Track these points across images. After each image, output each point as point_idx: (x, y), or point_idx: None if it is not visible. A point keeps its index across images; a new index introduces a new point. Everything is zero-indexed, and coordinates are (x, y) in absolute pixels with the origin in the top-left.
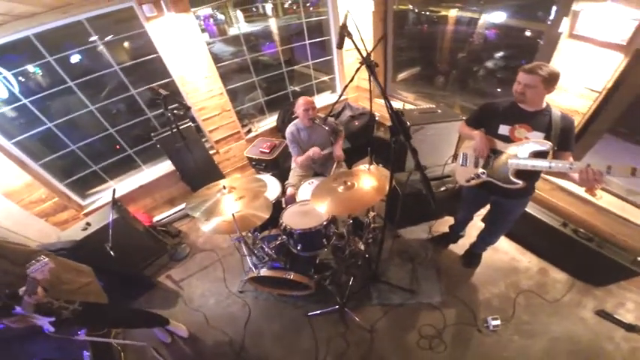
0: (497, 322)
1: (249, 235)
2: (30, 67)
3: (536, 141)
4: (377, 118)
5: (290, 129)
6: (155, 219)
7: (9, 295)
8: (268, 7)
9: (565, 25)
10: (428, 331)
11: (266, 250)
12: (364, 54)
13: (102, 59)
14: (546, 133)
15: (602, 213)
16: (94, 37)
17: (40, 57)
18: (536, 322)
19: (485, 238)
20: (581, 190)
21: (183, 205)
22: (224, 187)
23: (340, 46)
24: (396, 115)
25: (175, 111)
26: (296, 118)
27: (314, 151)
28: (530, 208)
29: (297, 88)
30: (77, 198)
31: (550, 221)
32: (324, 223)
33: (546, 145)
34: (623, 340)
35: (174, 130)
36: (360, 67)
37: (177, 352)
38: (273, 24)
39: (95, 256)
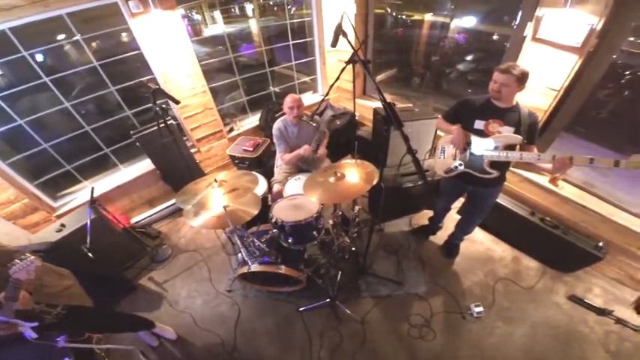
0: (480, 308)
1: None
2: None
3: (509, 135)
4: (357, 118)
5: (277, 125)
6: (133, 220)
7: None
8: (248, 8)
9: (529, 29)
10: (417, 320)
11: (257, 243)
12: (357, 51)
13: (79, 55)
14: (516, 127)
15: (565, 202)
16: (74, 33)
17: (13, 52)
18: (515, 308)
19: (463, 228)
20: (545, 181)
21: (163, 206)
22: (215, 181)
23: (334, 44)
24: (388, 105)
25: (164, 105)
26: (279, 115)
27: (305, 149)
28: (501, 199)
29: (276, 89)
30: (48, 200)
31: (519, 211)
32: (315, 215)
33: (518, 139)
34: (596, 323)
35: (162, 125)
36: (345, 66)
37: (165, 356)
38: (253, 25)
39: (72, 259)
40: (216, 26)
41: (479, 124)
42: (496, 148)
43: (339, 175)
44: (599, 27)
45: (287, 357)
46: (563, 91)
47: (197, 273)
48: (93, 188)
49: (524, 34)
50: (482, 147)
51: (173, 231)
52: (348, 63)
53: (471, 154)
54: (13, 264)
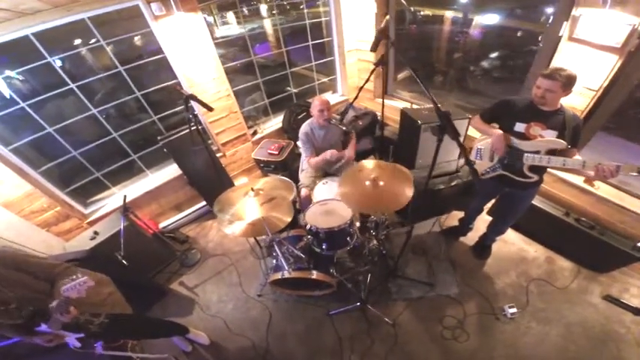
0: (514, 309)
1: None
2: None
3: (552, 140)
4: (379, 118)
5: (304, 129)
6: (161, 225)
7: (33, 312)
8: (263, 9)
9: (565, 29)
10: (449, 322)
11: (294, 251)
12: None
13: (101, 60)
14: (559, 131)
15: (601, 202)
16: (97, 37)
17: (37, 58)
18: (550, 309)
19: (496, 229)
20: (580, 181)
21: (190, 210)
22: (252, 190)
23: (374, 49)
24: (444, 115)
25: (196, 112)
26: (301, 117)
27: (332, 153)
28: (534, 200)
29: (295, 90)
30: (79, 206)
31: (553, 211)
32: (349, 221)
33: (562, 145)
34: (633, 323)
35: (194, 130)
36: (375, 68)
37: None
38: (267, 25)
39: (106, 266)
40: (229, 27)
41: (519, 127)
42: (538, 152)
43: (374, 179)
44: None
45: None
46: (602, 91)
47: (227, 277)
48: (125, 196)
49: (560, 34)
50: (524, 151)
51: (200, 235)
52: (377, 65)
53: (511, 157)
54: (65, 282)
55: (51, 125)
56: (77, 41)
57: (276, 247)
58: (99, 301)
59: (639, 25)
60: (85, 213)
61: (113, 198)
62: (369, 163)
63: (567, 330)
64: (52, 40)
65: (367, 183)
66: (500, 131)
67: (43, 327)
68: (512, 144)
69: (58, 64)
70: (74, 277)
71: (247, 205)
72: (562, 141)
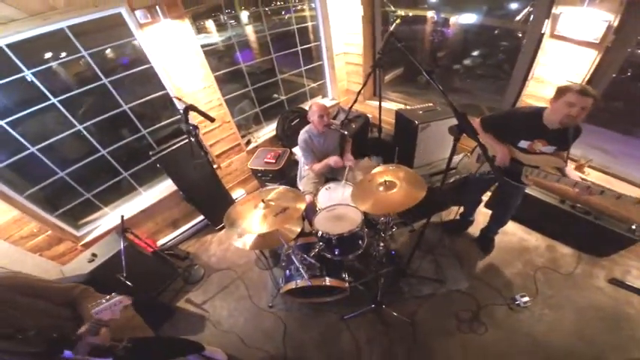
0: (527, 298)
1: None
2: None
3: (555, 160)
4: (370, 120)
5: (302, 136)
6: (159, 243)
7: (57, 339)
8: (244, 15)
9: (547, 26)
10: (465, 315)
11: (306, 259)
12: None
13: (82, 73)
14: (558, 145)
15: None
16: (78, 48)
17: (13, 72)
18: (559, 295)
19: (498, 220)
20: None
21: (187, 226)
22: (263, 201)
23: (383, 51)
24: (462, 116)
25: (195, 123)
26: (295, 124)
27: (335, 161)
28: (530, 190)
29: (284, 97)
30: (71, 229)
31: (549, 200)
32: (360, 225)
33: (562, 165)
34: None
35: (194, 142)
36: (372, 71)
37: None
38: (250, 32)
39: (108, 288)
40: (208, 36)
41: (523, 144)
42: (537, 167)
43: (387, 184)
44: (615, 23)
45: None
46: (585, 84)
47: (235, 291)
48: (123, 216)
49: (542, 31)
50: (525, 164)
51: (201, 250)
52: (375, 67)
53: (512, 167)
54: (98, 303)
55: (33, 144)
56: (57, 53)
57: (293, 257)
58: (120, 325)
59: (614, 22)
60: (78, 235)
61: (106, 218)
62: (377, 170)
63: (580, 314)
64: (30, 52)
65: (380, 188)
66: (506, 148)
67: (67, 354)
68: (514, 156)
69: (35, 77)
70: (107, 296)
71: (258, 218)
72: (562, 161)
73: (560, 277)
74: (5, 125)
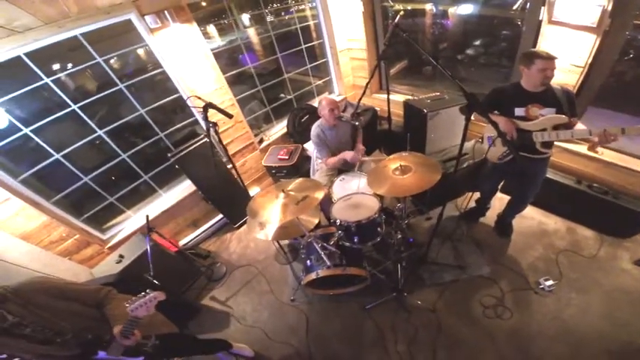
0: (551, 282)
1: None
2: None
3: (554, 117)
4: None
5: (315, 131)
6: (181, 243)
7: (92, 340)
8: (247, 18)
9: (543, 13)
10: (489, 301)
11: (327, 248)
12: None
13: (97, 79)
14: (557, 107)
15: (608, 167)
16: (93, 54)
17: (31, 80)
18: (585, 278)
19: (516, 207)
20: (584, 149)
21: (207, 225)
22: (283, 191)
23: (390, 41)
24: (471, 95)
25: (214, 120)
26: (305, 120)
27: (352, 156)
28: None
29: (290, 96)
30: (97, 233)
31: (565, 181)
32: (377, 211)
33: (564, 120)
34: None
35: (212, 140)
36: (378, 63)
37: None
38: (252, 34)
39: (137, 288)
40: (211, 40)
41: (519, 111)
42: (544, 130)
43: (403, 168)
44: (609, 7)
45: (365, 357)
46: (587, 67)
47: (257, 286)
48: (147, 216)
49: (540, 18)
50: (531, 130)
51: (222, 248)
52: (380, 59)
53: (521, 138)
54: (133, 301)
55: (56, 152)
56: (72, 61)
57: (315, 246)
58: (146, 322)
59: (608, 6)
60: (104, 239)
61: (130, 221)
62: (390, 158)
63: (608, 297)
64: (46, 61)
65: (396, 173)
66: (504, 117)
67: (101, 354)
68: (519, 126)
69: (55, 85)
70: (141, 294)
71: (278, 209)
72: (563, 116)
73: (583, 260)
74: (30, 133)
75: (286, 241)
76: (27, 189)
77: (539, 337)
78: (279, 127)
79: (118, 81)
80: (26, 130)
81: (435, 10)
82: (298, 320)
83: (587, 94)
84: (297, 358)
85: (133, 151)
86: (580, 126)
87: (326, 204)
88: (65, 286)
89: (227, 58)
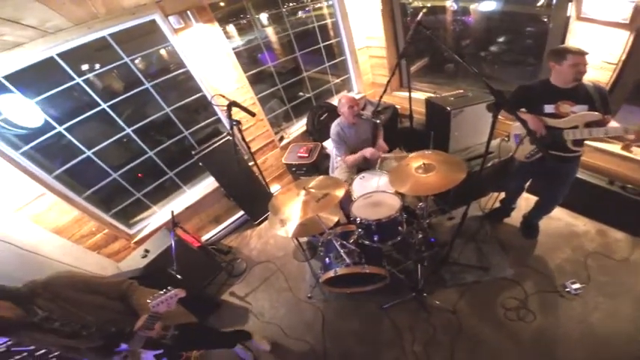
0: (578, 285)
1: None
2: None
3: (587, 114)
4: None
5: (335, 129)
6: (203, 238)
7: (116, 333)
8: (263, 17)
9: (571, 9)
10: (511, 303)
11: (346, 246)
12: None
13: (124, 79)
14: (589, 104)
15: None
16: (120, 54)
17: (62, 81)
18: (614, 282)
19: (544, 208)
20: (617, 149)
21: (229, 221)
22: (304, 189)
23: (412, 39)
24: (498, 92)
25: (238, 119)
26: (324, 118)
27: (371, 152)
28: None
29: (310, 94)
30: (125, 227)
31: (597, 181)
32: (399, 210)
33: (597, 117)
34: None
35: (236, 138)
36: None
37: None
38: (270, 33)
39: (160, 282)
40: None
41: (548, 108)
42: (576, 127)
43: (425, 166)
44: None
45: (381, 356)
46: (621, 64)
47: (275, 283)
48: (173, 212)
49: (568, 14)
50: (562, 128)
51: (242, 244)
52: (402, 56)
53: (551, 136)
54: (155, 297)
55: (87, 149)
56: (101, 61)
57: (335, 243)
58: (169, 313)
59: None
60: (131, 233)
61: (155, 217)
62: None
63: (639, 303)
64: (76, 61)
65: (419, 171)
66: (535, 117)
67: (123, 347)
68: (548, 124)
69: (85, 85)
70: (162, 291)
71: (299, 206)
72: (596, 113)
73: (614, 264)
74: (64, 131)
75: (305, 239)
76: (61, 184)
77: (564, 340)
78: (299, 125)
79: (144, 80)
80: (60, 129)
81: (455, 7)
82: (315, 318)
83: (621, 92)
84: (313, 355)
85: (158, 148)
86: (614, 124)
87: (346, 202)
88: (90, 280)
89: (247, 57)
